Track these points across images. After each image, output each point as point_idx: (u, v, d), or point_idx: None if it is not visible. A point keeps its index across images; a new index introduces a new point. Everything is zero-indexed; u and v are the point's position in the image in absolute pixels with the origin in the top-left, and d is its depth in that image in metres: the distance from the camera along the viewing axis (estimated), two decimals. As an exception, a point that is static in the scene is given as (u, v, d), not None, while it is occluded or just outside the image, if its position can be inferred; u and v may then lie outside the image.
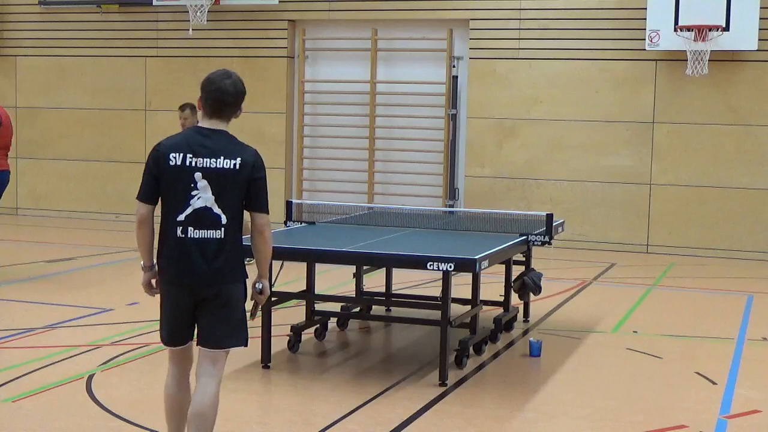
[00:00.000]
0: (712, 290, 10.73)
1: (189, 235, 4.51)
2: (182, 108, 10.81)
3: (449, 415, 5.93)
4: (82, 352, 7.17)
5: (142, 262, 4.71)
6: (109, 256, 11.94)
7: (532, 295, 8.32)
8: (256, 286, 4.69)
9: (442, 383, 6.49)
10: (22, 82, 15.97)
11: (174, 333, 4.66)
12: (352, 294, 8.55)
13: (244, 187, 4.53)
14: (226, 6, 14.45)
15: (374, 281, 8.98)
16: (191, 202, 4.51)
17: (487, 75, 13.75)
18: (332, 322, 8.09)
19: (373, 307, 8.70)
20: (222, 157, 4.51)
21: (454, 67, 13.94)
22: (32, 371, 6.62)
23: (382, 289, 8.68)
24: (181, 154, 4.51)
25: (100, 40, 15.44)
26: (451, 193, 14.00)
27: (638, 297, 10.04)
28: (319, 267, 7.53)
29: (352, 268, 8.39)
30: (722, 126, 12.93)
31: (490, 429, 5.76)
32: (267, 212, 4.60)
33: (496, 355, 7.44)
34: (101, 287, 9.92)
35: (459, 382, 6.62)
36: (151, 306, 8.85)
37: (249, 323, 4.73)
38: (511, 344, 7.84)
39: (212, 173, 4.49)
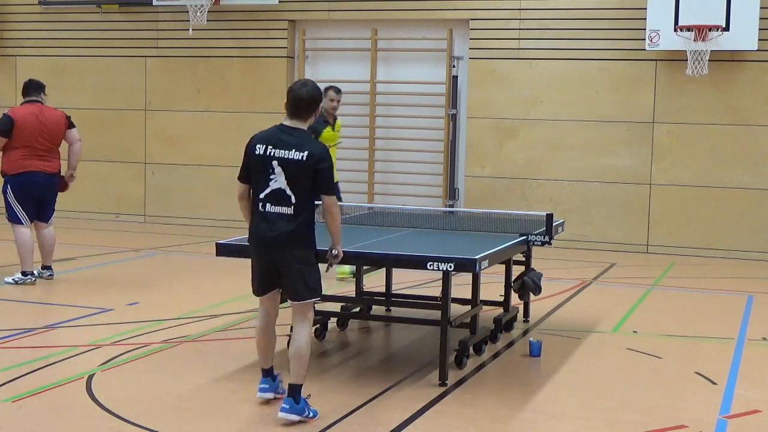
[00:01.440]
0: (712, 290, 10.73)
1: (267, 210, 5.66)
2: (325, 91, 10.31)
3: (449, 415, 5.93)
4: (82, 352, 7.17)
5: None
6: (109, 256, 11.94)
7: (532, 295, 8.31)
8: (332, 251, 5.91)
9: (442, 383, 6.49)
10: (22, 82, 15.92)
11: (258, 284, 5.87)
12: (352, 294, 8.55)
13: (311, 175, 5.60)
14: (226, 6, 14.45)
15: (374, 281, 8.98)
16: (270, 184, 5.64)
17: (487, 75, 13.75)
18: (332, 322, 8.09)
19: (373, 307, 8.69)
20: (294, 150, 5.61)
21: (454, 67, 13.94)
22: (32, 371, 6.62)
23: (382, 289, 8.67)
24: (264, 146, 5.67)
25: (100, 40, 15.45)
26: (451, 193, 14.00)
27: (638, 297, 10.04)
28: (319, 267, 7.52)
29: (352, 268, 8.37)
30: (722, 126, 12.93)
31: (490, 429, 5.76)
32: (331, 194, 5.70)
33: (496, 355, 7.44)
34: (101, 287, 9.91)
35: (459, 382, 6.62)
36: (151, 306, 8.88)
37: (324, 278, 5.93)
38: (511, 344, 7.84)
39: (285, 162, 5.61)
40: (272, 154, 5.64)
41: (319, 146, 5.72)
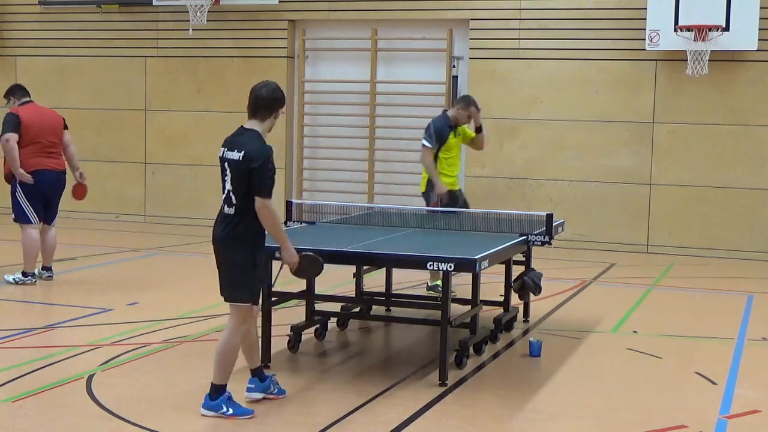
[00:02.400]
0: (712, 290, 10.73)
1: (222, 211, 5.77)
2: (460, 101, 9.95)
3: (449, 415, 5.94)
4: (82, 352, 7.17)
5: None
6: (109, 256, 11.94)
7: (532, 295, 8.32)
8: (275, 254, 5.95)
9: (442, 383, 6.49)
10: (22, 82, 15.92)
11: None
12: (352, 294, 8.55)
13: (247, 175, 5.57)
14: (226, 6, 14.45)
15: (374, 281, 8.98)
16: (225, 185, 5.75)
17: (487, 75, 13.75)
18: (332, 322, 8.09)
19: (373, 307, 8.70)
20: (236, 150, 5.65)
21: (454, 67, 13.94)
22: (32, 371, 6.62)
23: (382, 289, 8.68)
24: (223, 149, 5.78)
25: (100, 40, 15.44)
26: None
27: (638, 297, 10.04)
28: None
29: (352, 268, 8.38)
30: (722, 126, 12.93)
31: (490, 429, 5.76)
32: (263, 196, 5.59)
33: (496, 355, 7.44)
34: (101, 287, 9.92)
35: (459, 382, 6.62)
36: (151, 306, 8.88)
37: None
38: (511, 344, 7.84)
39: (230, 163, 5.67)
40: (224, 155, 5.73)
41: (257, 145, 5.64)
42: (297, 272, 6.01)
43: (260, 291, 5.91)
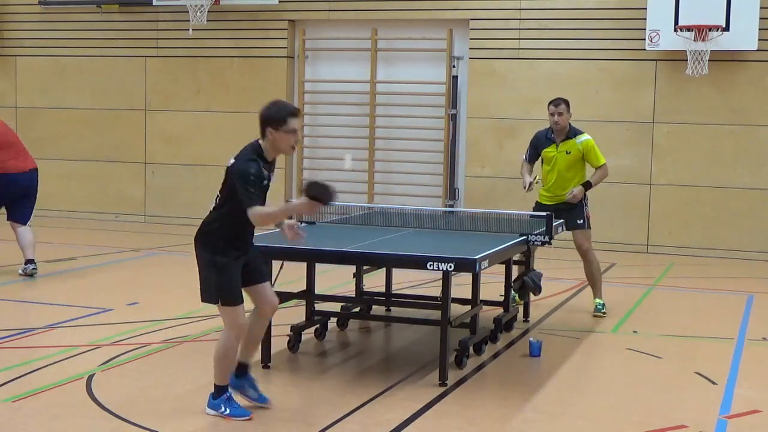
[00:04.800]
0: (712, 290, 10.73)
1: None
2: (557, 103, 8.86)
3: (449, 415, 5.93)
4: (82, 352, 7.17)
5: None
6: (109, 256, 11.94)
7: (532, 295, 8.31)
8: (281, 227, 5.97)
9: (442, 383, 6.49)
10: (22, 82, 15.98)
11: None
12: (352, 294, 8.54)
13: (230, 183, 5.60)
14: (226, 6, 14.45)
15: (374, 281, 8.98)
16: None
17: (487, 75, 13.75)
18: (332, 322, 8.09)
19: (373, 307, 8.69)
20: (232, 157, 5.68)
21: (454, 67, 13.94)
22: (32, 371, 6.62)
23: (382, 289, 8.67)
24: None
25: (100, 40, 15.45)
26: (451, 193, 14.00)
27: (638, 297, 10.04)
28: (319, 267, 7.53)
29: (352, 268, 8.38)
30: (722, 126, 12.93)
31: (490, 429, 5.76)
32: (245, 207, 5.52)
33: (496, 355, 7.44)
34: (101, 287, 9.92)
35: (459, 382, 6.62)
36: (151, 306, 8.88)
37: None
38: (511, 344, 7.84)
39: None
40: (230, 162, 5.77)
41: (244, 157, 5.59)
42: (320, 203, 5.52)
43: (233, 292, 5.68)
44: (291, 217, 5.99)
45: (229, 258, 5.66)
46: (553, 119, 8.79)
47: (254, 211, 5.51)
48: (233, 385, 5.88)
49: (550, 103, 8.86)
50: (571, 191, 8.85)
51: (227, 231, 5.67)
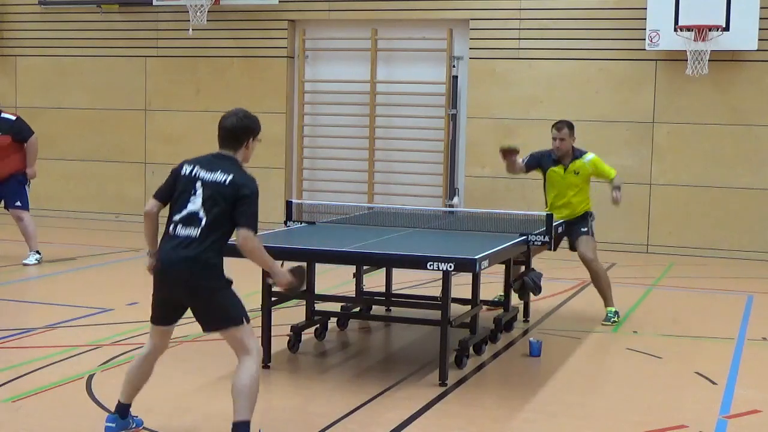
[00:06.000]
0: (712, 290, 10.73)
1: (176, 232, 5.19)
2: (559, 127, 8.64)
3: (449, 415, 5.93)
4: (82, 352, 7.17)
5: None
6: (109, 256, 11.94)
7: (532, 295, 8.31)
8: (267, 280, 5.62)
9: (442, 383, 6.49)
10: (22, 82, 15.98)
11: (153, 311, 5.37)
12: (352, 294, 8.55)
13: (230, 201, 5.10)
14: (226, 6, 14.45)
15: (374, 281, 8.98)
16: (188, 206, 5.17)
17: (487, 75, 13.75)
18: (332, 322, 8.09)
19: (373, 307, 8.70)
20: (219, 172, 5.17)
21: (454, 67, 13.94)
22: (32, 371, 6.62)
23: (382, 289, 8.67)
24: (192, 166, 5.26)
25: (100, 40, 15.45)
26: (451, 193, 13.99)
27: (638, 297, 10.04)
28: (319, 267, 7.53)
29: (352, 268, 8.38)
30: (722, 126, 12.93)
31: (490, 429, 5.76)
32: (248, 228, 5.06)
33: (496, 355, 7.44)
34: (101, 287, 9.92)
35: (459, 382, 6.62)
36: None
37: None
38: (511, 344, 7.84)
39: (208, 183, 5.16)
40: (197, 174, 5.19)
41: (246, 174, 5.20)
42: (291, 289, 5.36)
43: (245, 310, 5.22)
44: (268, 274, 5.40)
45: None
46: (554, 144, 8.58)
47: (255, 239, 5.07)
48: (119, 428, 5.33)
49: (553, 126, 8.67)
50: (615, 193, 8.78)
51: (221, 255, 5.17)
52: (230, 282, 5.16)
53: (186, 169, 5.25)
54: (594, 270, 8.67)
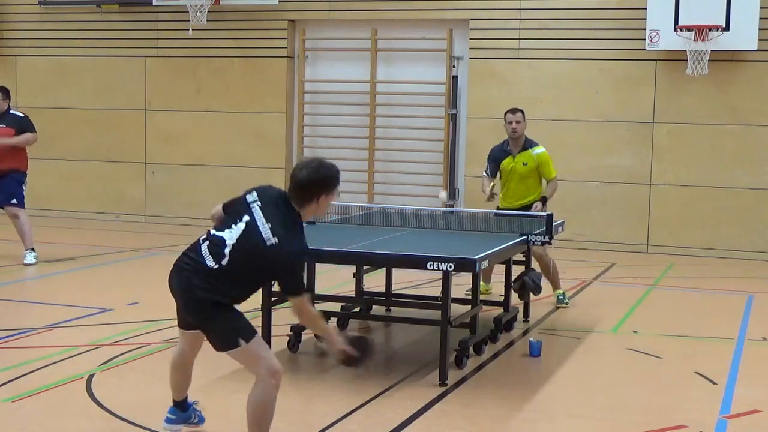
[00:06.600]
0: (712, 290, 10.73)
1: (200, 249, 5.08)
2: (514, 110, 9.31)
3: (449, 415, 5.93)
4: (82, 352, 7.17)
5: None
6: (109, 256, 11.94)
7: (532, 295, 8.31)
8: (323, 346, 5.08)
9: (442, 383, 6.49)
10: (22, 82, 15.97)
11: (178, 316, 5.27)
12: (352, 294, 8.55)
13: (267, 265, 4.78)
14: (226, 6, 14.45)
15: (374, 281, 8.98)
16: (225, 230, 4.97)
17: (487, 75, 13.75)
18: (332, 322, 8.08)
19: (373, 307, 8.70)
20: (269, 224, 4.76)
21: (454, 67, 13.94)
22: (32, 371, 6.62)
23: (382, 289, 8.68)
24: (255, 194, 4.97)
25: (100, 40, 15.45)
26: (451, 193, 13.99)
27: (638, 297, 10.04)
28: (319, 267, 7.53)
29: (352, 268, 8.38)
30: (722, 126, 12.93)
31: (490, 429, 5.76)
32: (298, 294, 4.75)
33: (496, 355, 7.44)
34: (101, 287, 9.92)
35: (459, 382, 6.62)
36: (151, 306, 8.88)
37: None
38: (511, 344, 7.84)
39: (252, 226, 4.84)
40: (253, 209, 4.82)
41: (298, 243, 4.78)
42: (349, 362, 4.98)
43: (250, 326, 4.93)
44: (320, 338, 5.13)
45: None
46: (511, 127, 9.12)
47: (305, 302, 4.77)
48: (179, 420, 5.40)
49: (507, 111, 9.23)
50: (536, 206, 9.08)
51: (230, 299, 4.88)
52: (231, 304, 4.88)
53: (251, 197, 4.89)
54: (544, 264, 9.09)
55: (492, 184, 9.32)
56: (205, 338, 5.03)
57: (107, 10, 15.39)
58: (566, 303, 9.21)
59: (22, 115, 11.04)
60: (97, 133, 15.59)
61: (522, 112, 9.28)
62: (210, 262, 4.81)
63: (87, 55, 15.58)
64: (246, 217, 4.79)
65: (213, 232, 4.92)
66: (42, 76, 15.83)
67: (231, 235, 4.80)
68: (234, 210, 4.91)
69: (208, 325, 4.89)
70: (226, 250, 4.78)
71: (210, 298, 4.81)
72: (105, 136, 15.57)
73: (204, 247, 4.89)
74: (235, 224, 4.82)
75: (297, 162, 14.67)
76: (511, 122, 9.14)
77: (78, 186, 15.76)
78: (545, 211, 8.75)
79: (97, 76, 15.55)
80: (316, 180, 4.80)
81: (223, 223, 4.91)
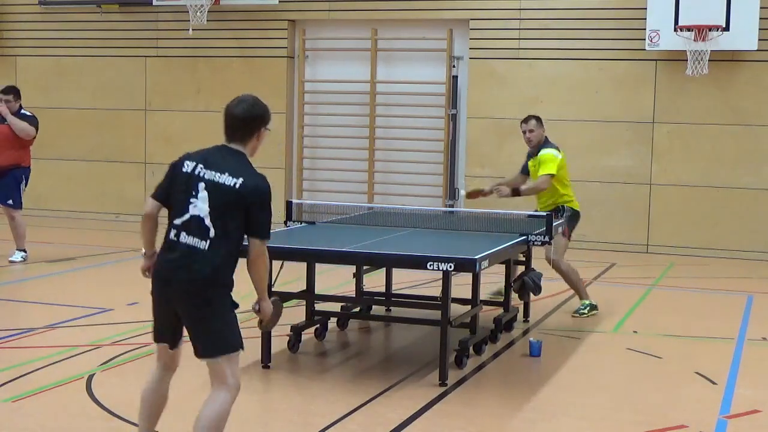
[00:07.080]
0: (712, 290, 10.73)
1: (180, 240, 4.69)
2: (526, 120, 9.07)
3: (449, 415, 5.93)
4: (82, 352, 7.17)
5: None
6: (109, 256, 11.94)
7: (532, 295, 8.31)
8: (254, 306, 4.81)
9: (442, 383, 6.49)
10: (22, 82, 15.90)
11: (156, 329, 4.83)
12: (352, 294, 8.55)
13: (241, 209, 4.60)
14: (226, 6, 14.45)
15: (374, 281, 8.98)
16: (189, 209, 4.65)
17: (487, 75, 13.75)
18: (332, 322, 8.08)
19: (373, 307, 8.70)
20: (227, 174, 4.62)
21: (454, 67, 13.94)
22: (32, 371, 6.62)
23: (382, 289, 8.67)
24: (194, 163, 4.71)
25: (100, 40, 15.45)
26: (451, 193, 14.00)
27: (638, 297, 10.04)
28: (319, 267, 7.53)
29: (352, 268, 8.38)
30: (722, 126, 12.93)
31: (490, 429, 5.76)
32: (262, 238, 4.65)
33: (496, 355, 7.44)
34: (101, 287, 9.92)
35: (459, 382, 6.62)
36: (151, 306, 8.87)
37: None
38: (511, 344, 7.84)
39: (213, 186, 4.62)
40: (201, 173, 4.65)
41: (258, 176, 4.67)
42: (267, 323, 4.94)
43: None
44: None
45: None
46: (525, 137, 9.01)
47: (266, 254, 4.68)
48: None
49: (522, 121, 9.06)
50: (502, 189, 8.97)
51: (234, 262, 4.70)
52: (236, 305, 4.67)
53: (188, 166, 4.70)
54: (567, 279, 8.88)
55: (498, 184, 9.27)
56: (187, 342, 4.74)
57: (107, 10, 15.39)
58: (585, 314, 8.86)
59: (30, 114, 11.05)
60: (97, 133, 15.59)
61: (536, 119, 9.01)
62: (201, 244, 4.58)
63: (87, 55, 15.58)
64: (201, 184, 4.63)
65: (176, 221, 4.68)
66: (42, 76, 15.83)
67: (201, 207, 4.61)
68: (180, 188, 4.69)
69: (207, 316, 4.57)
70: (207, 222, 4.59)
71: (217, 279, 4.59)
72: (105, 136, 15.57)
73: (183, 238, 4.64)
74: (195, 197, 4.63)
75: (297, 164, 14.72)
76: (524, 132, 9.00)
77: (78, 186, 15.76)
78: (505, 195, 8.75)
79: (97, 76, 15.55)
80: (256, 113, 4.77)
81: (181, 206, 4.66)
